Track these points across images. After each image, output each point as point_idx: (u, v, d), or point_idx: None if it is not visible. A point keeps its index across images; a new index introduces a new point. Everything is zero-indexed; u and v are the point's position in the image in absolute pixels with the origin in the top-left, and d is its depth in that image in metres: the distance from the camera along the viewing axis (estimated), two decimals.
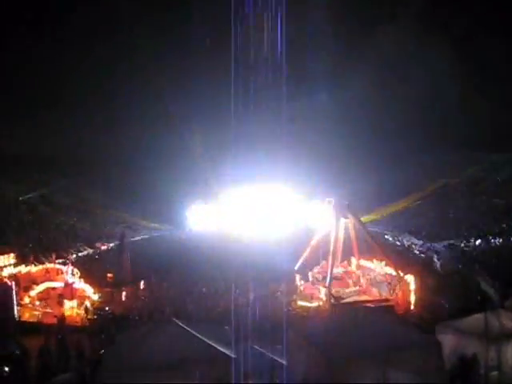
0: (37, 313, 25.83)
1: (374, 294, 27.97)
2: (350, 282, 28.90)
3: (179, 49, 52.35)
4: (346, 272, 29.74)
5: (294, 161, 51.13)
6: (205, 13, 49.19)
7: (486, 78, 49.81)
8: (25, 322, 24.83)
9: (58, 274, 28.89)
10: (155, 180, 53.40)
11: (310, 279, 29.21)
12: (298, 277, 29.27)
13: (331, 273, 27.92)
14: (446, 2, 50.71)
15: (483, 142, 48.01)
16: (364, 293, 28.10)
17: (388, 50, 51.52)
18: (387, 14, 52.22)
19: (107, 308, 26.37)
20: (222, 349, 12.98)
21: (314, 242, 30.94)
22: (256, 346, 13.68)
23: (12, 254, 29.95)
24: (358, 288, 28.34)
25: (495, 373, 14.06)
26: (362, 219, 32.71)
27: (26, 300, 26.38)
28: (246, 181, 50.87)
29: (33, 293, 26.88)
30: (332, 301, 26.45)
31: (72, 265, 30.67)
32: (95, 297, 27.38)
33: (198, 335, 13.33)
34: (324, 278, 28.25)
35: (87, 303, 26.44)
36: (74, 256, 38.76)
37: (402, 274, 27.34)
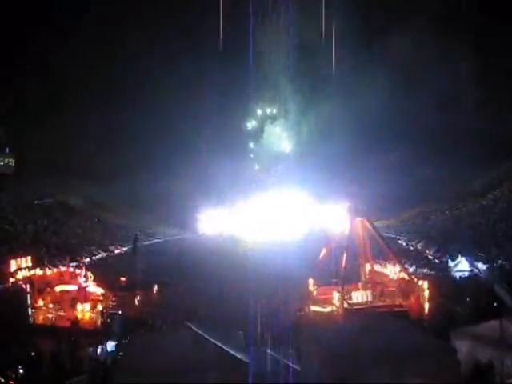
0: (50, 315, 25.98)
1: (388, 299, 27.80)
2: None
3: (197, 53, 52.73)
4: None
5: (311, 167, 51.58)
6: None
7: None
8: (39, 325, 24.97)
9: (71, 277, 29.07)
10: (170, 186, 53.89)
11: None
12: (311, 281, 29.11)
13: (345, 277, 27.75)
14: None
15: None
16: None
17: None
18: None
19: (120, 311, 26.45)
20: (235, 353, 12.94)
21: (328, 247, 30.77)
22: (269, 351, 13.63)
23: (28, 258, 30.20)
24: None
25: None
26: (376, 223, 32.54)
27: (40, 303, 26.55)
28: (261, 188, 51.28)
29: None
30: (345, 306, 26.30)
31: (86, 268, 30.82)
32: (108, 300, 27.49)
33: (211, 339, 13.30)
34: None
35: (100, 307, 26.55)
36: (88, 259, 38.98)
37: (416, 280, 27.13)
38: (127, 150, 53.96)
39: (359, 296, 27.30)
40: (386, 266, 29.84)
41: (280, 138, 57.42)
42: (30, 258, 30.77)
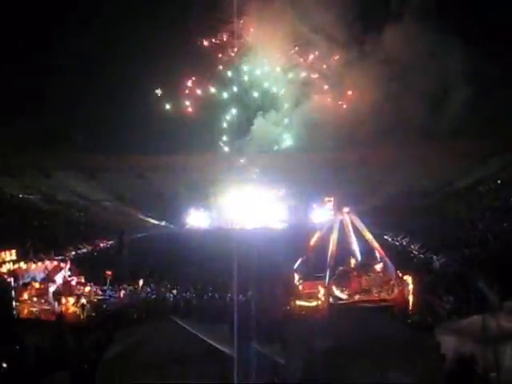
0: (34, 309, 25.84)
1: (373, 294, 27.93)
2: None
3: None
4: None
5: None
6: None
7: None
8: (23, 319, 24.82)
9: (56, 270, 28.89)
10: (156, 181, 53.81)
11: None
12: (296, 276, 29.17)
13: (330, 272, 27.82)
14: None
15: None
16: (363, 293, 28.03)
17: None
18: None
19: (105, 305, 26.41)
20: (221, 347, 12.97)
21: (313, 241, 30.82)
22: (255, 345, 13.68)
23: (13, 251, 29.94)
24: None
25: (494, 374, 14.05)
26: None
27: (25, 296, 26.39)
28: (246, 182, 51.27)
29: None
30: (331, 300, 26.41)
31: (71, 262, 30.66)
32: (93, 294, 27.44)
33: (196, 333, 13.32)
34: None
35: (83, 301, 26.46)
36: (73, 253, 38.77)
37: (400, 275, 27.28)
38: (114, 142, 53.66)
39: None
40: (370, 261, 29.93)
41: (269, 131, 57.19)
42: (14, 251, 30.52)
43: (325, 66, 57.20)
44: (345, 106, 55.92)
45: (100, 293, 27.80)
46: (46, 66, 51.18)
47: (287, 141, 57.03)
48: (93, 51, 51.13)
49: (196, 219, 50.15)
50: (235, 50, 57.19)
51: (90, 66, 51.67)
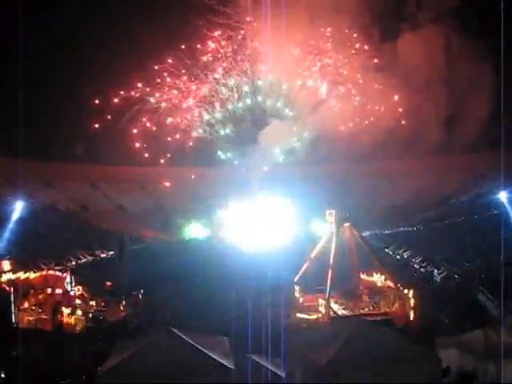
0: (31, 318, 25.81)
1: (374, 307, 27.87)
2: None
3: None
4: None
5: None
6: None
7: None
8: (22, 329, 24.74)
9: (56, 280, 28.86)
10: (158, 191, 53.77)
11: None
12: (297, 288, 29.11)
13: (331, 285, 27.78)
14: None
15: None
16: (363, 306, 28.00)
17: None
18: None
19: (101, 317, 26.33)
20: (220, 359, 12.92)
21: (314, 254, 30.81)
22: (254, 358, 13.63)
23: (12, 261, 29.95)
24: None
25: None
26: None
27: (25, 305, 26.38)
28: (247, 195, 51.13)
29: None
30: (331, 313, 26.34)
31: (71, 272, 30.62)
32: (92, 305, 27.40)
33: (196, 345, 13.27)
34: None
35: (79, 312, 26.40)
36: (74, 263, 38.66)
37: (401, 288, 27.23)
38: (116, 154, 53.68)
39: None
40: (372, 275, 29.91)
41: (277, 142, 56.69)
42: (13, 261, 30.48)
43: (340, 74, 56.76)
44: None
45: (102, 304, 27.71)
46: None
47: (295, 152, 56.41)
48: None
49: (197, 232, 50.01)
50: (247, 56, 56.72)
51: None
